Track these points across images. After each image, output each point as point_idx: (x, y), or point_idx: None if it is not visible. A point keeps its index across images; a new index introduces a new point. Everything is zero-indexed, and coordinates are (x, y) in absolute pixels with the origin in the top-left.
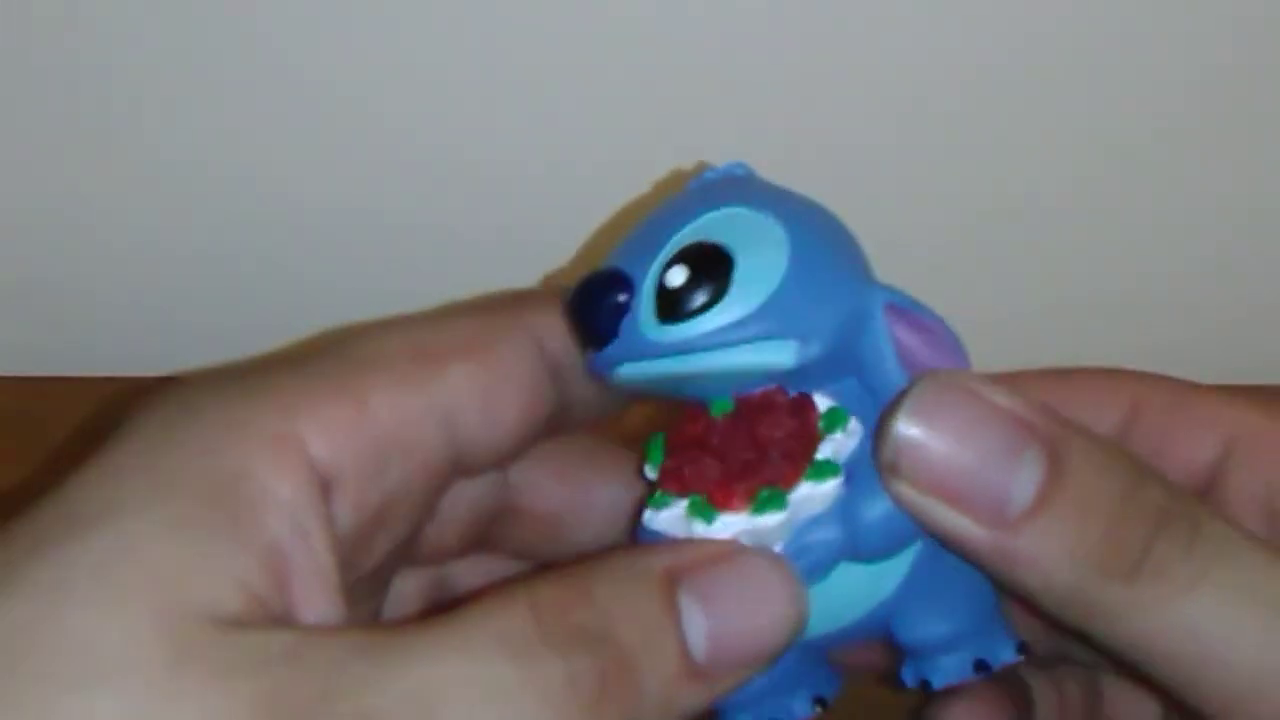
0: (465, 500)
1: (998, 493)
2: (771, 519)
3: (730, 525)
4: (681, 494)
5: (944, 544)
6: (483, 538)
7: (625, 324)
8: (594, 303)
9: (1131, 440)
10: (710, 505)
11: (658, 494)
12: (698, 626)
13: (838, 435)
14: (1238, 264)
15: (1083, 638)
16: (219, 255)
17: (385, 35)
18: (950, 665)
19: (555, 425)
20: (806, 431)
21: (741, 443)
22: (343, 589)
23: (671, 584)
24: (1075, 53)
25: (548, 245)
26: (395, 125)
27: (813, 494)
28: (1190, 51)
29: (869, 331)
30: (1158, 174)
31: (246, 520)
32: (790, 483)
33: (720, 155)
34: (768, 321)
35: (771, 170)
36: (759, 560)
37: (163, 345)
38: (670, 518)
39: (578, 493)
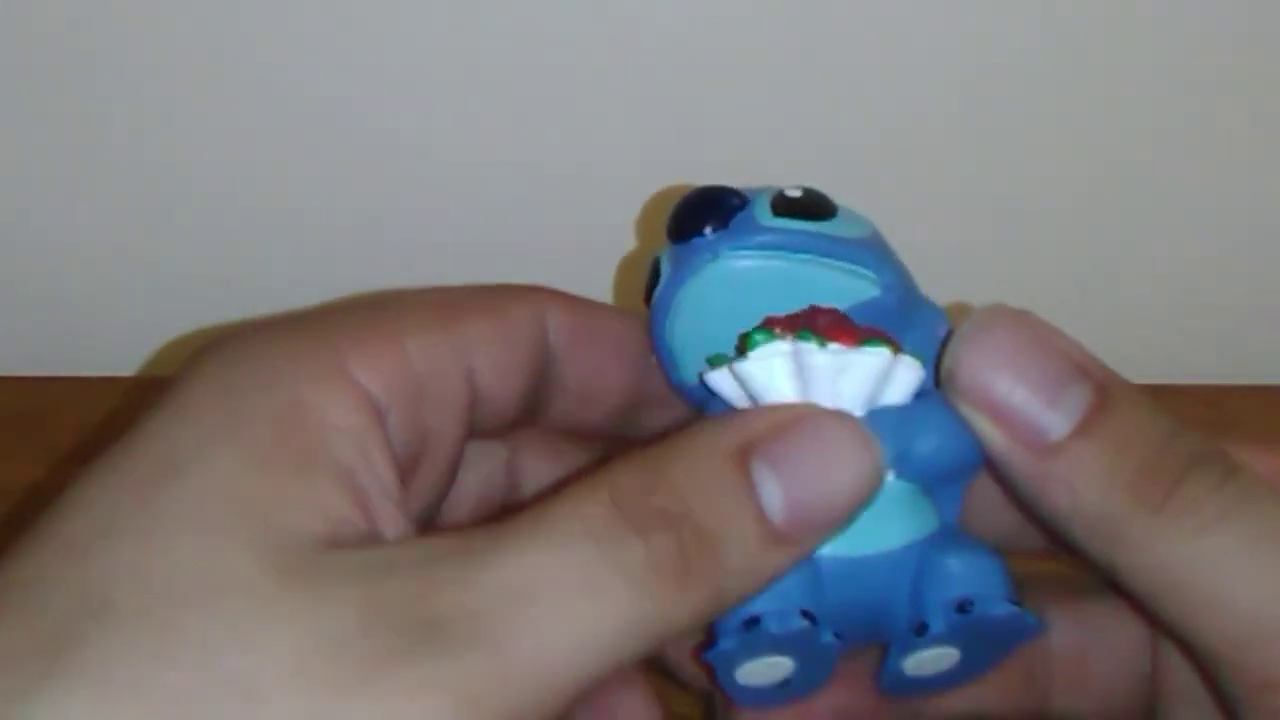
0: (473, 480)
1: (1042, 419)
2: (878, 356)
3: (839, 353)
4: (787, 332)
5: (989, 456)
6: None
7: (740, 216)
8: (713, 195)
9: None
10: (823, 335)
11: (758, 332)
12: (774, 492)
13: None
14: (1238, 264)
15: (1104, 573)
16: (219, 256)
17: (385, 41)
18: (949, 609)
19: (535, 411)
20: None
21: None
22: (407, 509)
23: (744, 455)
24: (1076, 53)
25: (547, 248)
26: (395, 129)
27: (904, 374)
28: (1192, 52)
29: (923, 325)
30: (1157, 174)
31: (318, 449)
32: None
33: (722, 158)
34: (864, 255)
35: (775, 172)
36: (830, 420)
37: (162, 345)
38: (771, 350)
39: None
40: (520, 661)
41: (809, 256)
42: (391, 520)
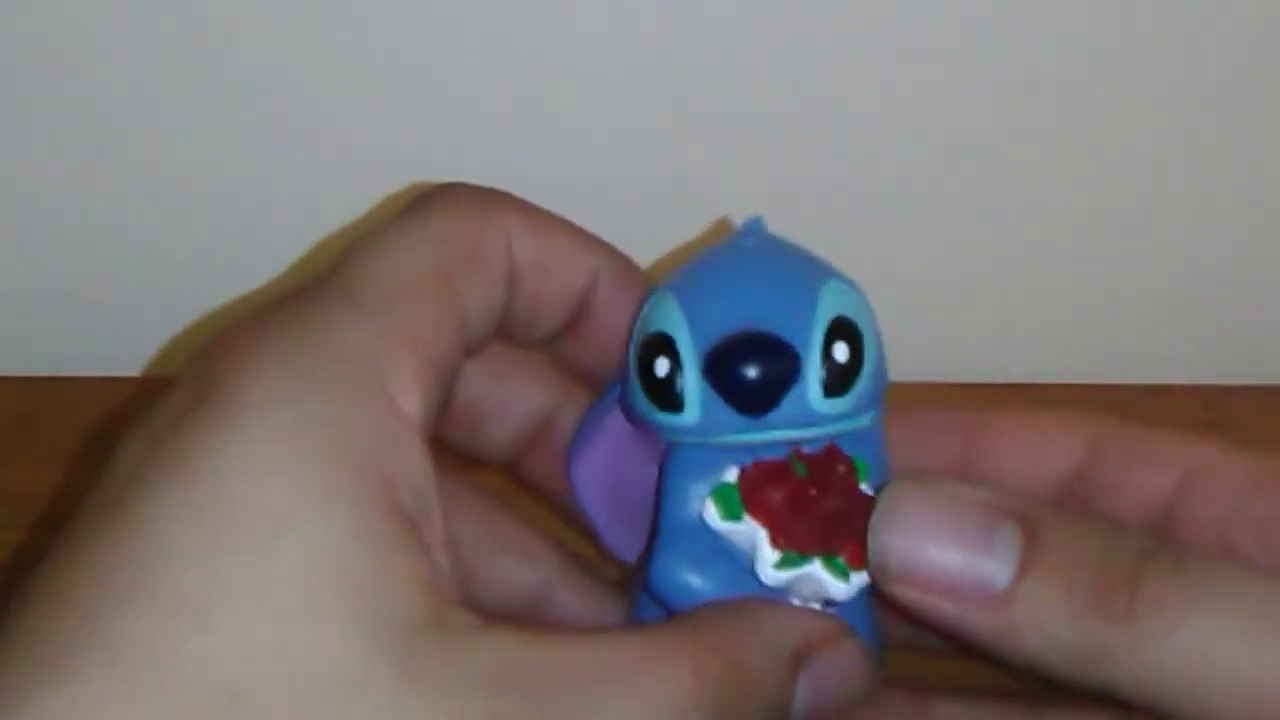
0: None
1: (982, 574)
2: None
3: (856, 583)
4: (808, 553)
5: (949, 635)
6: None
7: (792, 393)
8: (765, 369)
9: (1089, 478)
10: (847, 566)
11: (788, 554)
12: (803, 699)
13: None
14: (1238, 264)
15: (1103, 693)
16: (219, 256)
17: (382, 43)
18: None
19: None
20: (864, 496)
21: (836, 504)
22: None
23: (798, 661)
24: (1077, 53)
25: None
26: (395, 129)
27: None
28: (1194, 53)
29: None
30: (1157, 174)
31: (397, 509)
32: None
33: (726, 159)
34: (876, 393)
35: (780, 175)
36: (857, 648)
37: (162, 345)
38: (803, 576)
39: (501, 391)
40: None
41: (838, 422)
42: (442, 565)
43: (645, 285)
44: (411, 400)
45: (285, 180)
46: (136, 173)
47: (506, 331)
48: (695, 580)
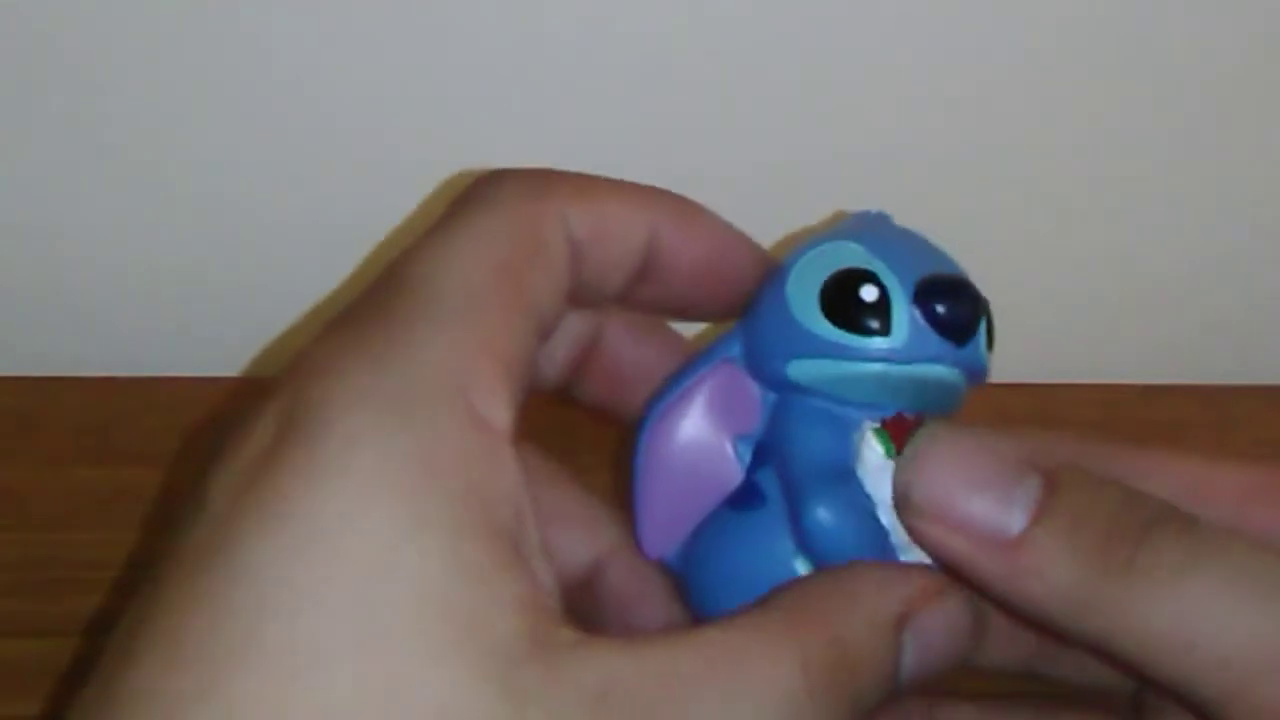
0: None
1: (1000, 519)
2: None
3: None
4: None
5: (957, 574)
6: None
7: (975, 338)
8: (969, 306)
9: None
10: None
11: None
12: (909, 662)
13: None
14: (1239, 264)
15: (1095, 650)
16: (220, 256)
17: (384, 42)
18: None
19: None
20: None
21: None
22: (548, 556)
23: (902, 622)
24: (1078, 52)
25: None
26: (397, 130)
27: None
28: (1195, 52)
29: None
30: (1158, 174)
31: (499, 533)
32: None
33: (730, 156)
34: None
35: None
36: (959, 601)
37: (162, 345)
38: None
39: (646, 351)
40: None
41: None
42: (543, 574)
43: (709, 221)
44: (496, 409)
45: (288, 181)
46: (138, 173)
47: (575, 301)
48: (851, 523)
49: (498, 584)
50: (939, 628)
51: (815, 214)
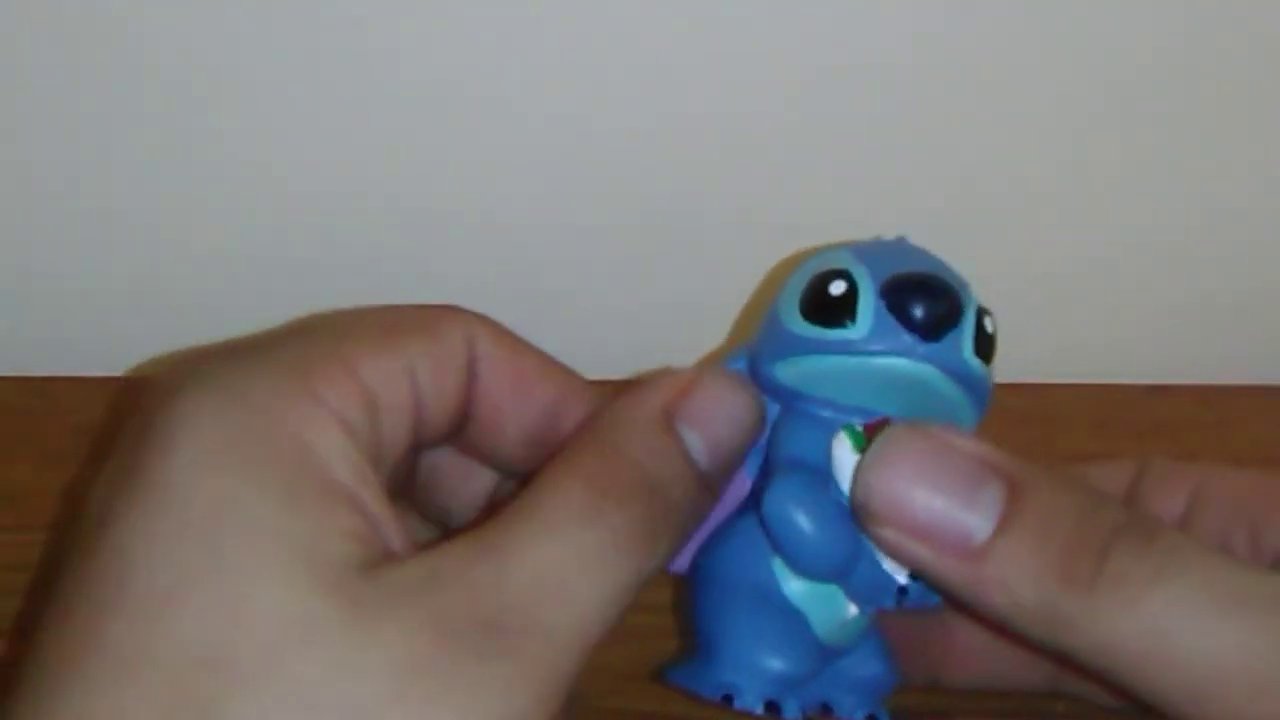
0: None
1: (962, 526)
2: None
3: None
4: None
5: (920, 577)
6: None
7: (950, 336)
8: (937, 301)
9: None
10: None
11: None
12: (697, 446)
13: None
14: (1237, 264)
15: (1060, 659)
16: (220, 256)
17: (396, 31)
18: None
19: (460, 430)
20: None
21: None
22: (401, 519)
23: (669, 419)
24: (1078, 51)
25: (554, 250)
26: (407, 124)
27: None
28: (1192, 51)
29: None
30: (1157, 174)
31: (331, 481)
32: None
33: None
34: (987, 398)
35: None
36: (720, 377)
37: (163, 345)
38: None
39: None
40: (566, 641)
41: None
42: (393, 531)
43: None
44: (332, 394)
45: (289, 181)
46: (137, 173)
47: (476, 441)
48: (804, 509)
49: (329, 519)
50: (711, 412)
51: (816, 214)
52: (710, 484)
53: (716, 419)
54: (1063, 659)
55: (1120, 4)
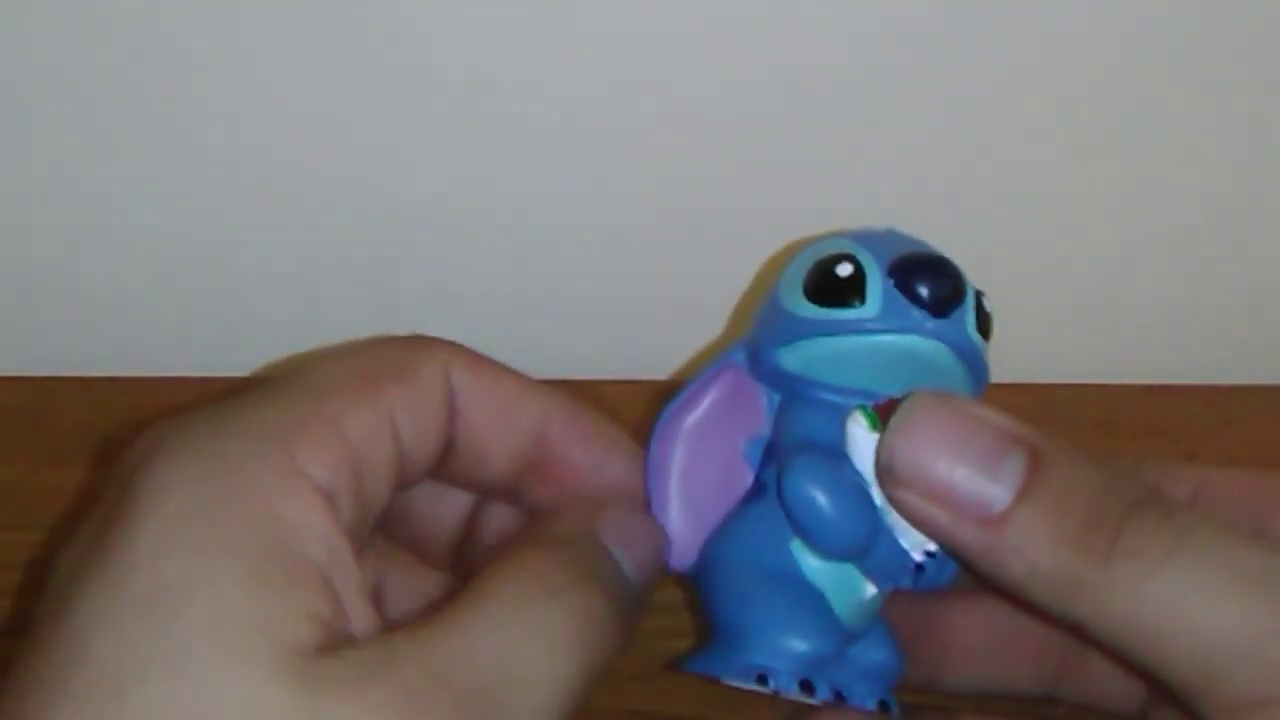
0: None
1: (984, 493)
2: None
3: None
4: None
5: (939, 543)
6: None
7: (956, 313)
8: (943, 279)
9: None
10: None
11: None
12: (628, 566)
13: None
14: (1239, 264)
15: (1073, 630)
16: (220, 256)
17: (396, 31)
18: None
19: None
20: None
21: None
22: (369, 596)
23: (596, 532)
24: (1078, 49)
25: (556, 245)
26: (406, 124)
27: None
28: (1193, 50)
29: None
30: (1158, 174)
31: (301, 559)
32: None
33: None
34: (985, 377)
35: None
36: (626, 511)
37: (163, 345)
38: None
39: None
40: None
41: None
42: (360, 613)
43: (600, 427)
44: (315, 464)
45: (289, 181)
46: (139, 172)
47: (453, 477)
48: (824, 488)
49: (294, 599)
50: (629, 533)
51: (815, 214)
52: (640, 601)
53: (638, 548)
54: (1076, 630)
55: (1120, 4)
